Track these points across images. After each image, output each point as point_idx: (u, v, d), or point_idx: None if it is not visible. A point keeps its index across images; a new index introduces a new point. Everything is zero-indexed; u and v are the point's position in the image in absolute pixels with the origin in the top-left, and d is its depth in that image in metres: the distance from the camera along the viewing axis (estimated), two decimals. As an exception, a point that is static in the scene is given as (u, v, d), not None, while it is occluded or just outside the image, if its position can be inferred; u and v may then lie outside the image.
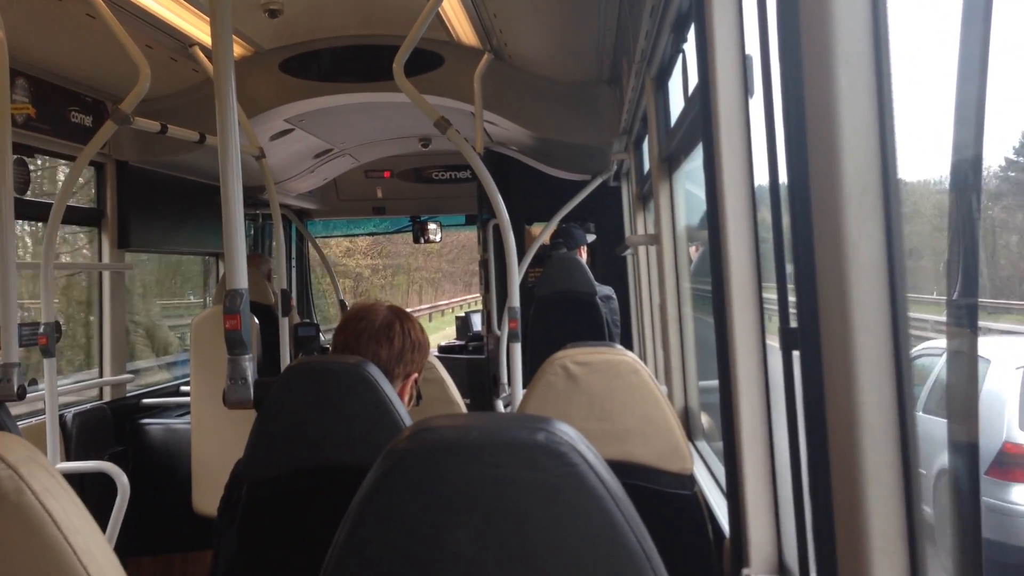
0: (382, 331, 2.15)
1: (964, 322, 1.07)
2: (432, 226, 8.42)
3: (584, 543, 0.87)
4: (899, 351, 1.09)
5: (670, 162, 3.39)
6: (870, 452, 1.08)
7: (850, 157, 1.11)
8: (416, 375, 2.23)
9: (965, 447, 1.03)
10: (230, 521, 2.02)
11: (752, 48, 1.74)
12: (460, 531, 0.87)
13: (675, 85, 3.15)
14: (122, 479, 3.73)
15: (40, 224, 4.97)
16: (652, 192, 3.55)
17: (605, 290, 5.45)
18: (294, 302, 7.30)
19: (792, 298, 1.34)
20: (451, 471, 0.87)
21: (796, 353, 1.29)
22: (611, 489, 0.88)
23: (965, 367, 1.08)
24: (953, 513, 1.05)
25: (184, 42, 4.29)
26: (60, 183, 5.13)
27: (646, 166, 4.16)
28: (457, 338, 9.61)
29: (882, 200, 1.10)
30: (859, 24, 1.12)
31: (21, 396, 3.51)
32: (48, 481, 1.02)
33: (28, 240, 5.89)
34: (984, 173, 1.06)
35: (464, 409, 3.15)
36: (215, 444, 4.37)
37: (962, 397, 1.07)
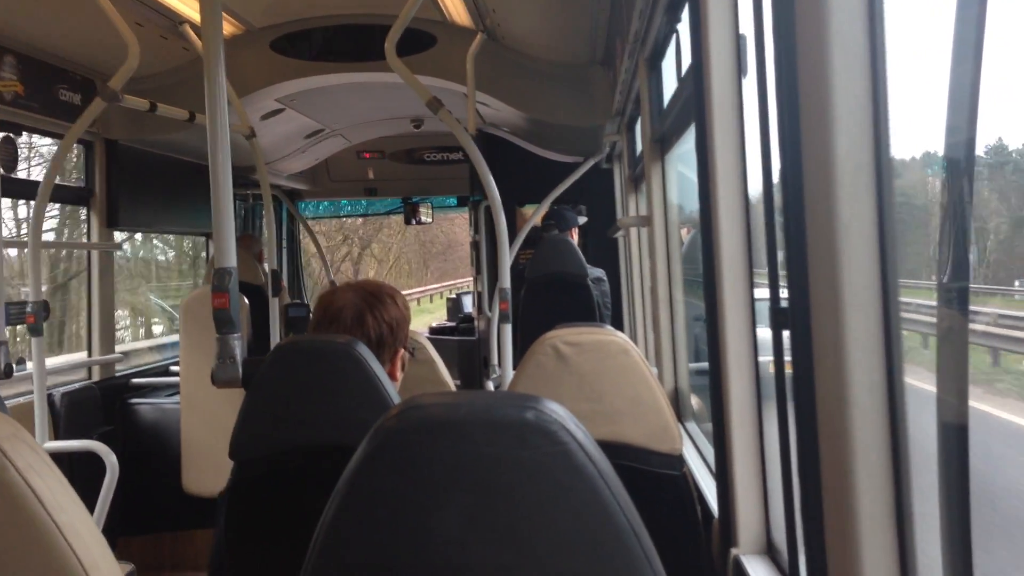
0: (355, 327, 2.08)
1: (955, 305, 1.07)
2: (423, 208, 8.39)
3: (573, 521, 0.86)
4: (890, 332, 1.09)
5: (662, 143, 3.38)
6: (859, 432, 1.08)
7: (843, 137, 1.11)
8: (402, 349, 2.20)
9: (954, 428, 1.03)
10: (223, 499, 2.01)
11: (746, 28, 1.73)
12: (448, 509, 0.86)
13: (668, 66, 3.13)
14: (110, 458, 3.72)
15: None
16: (644, 174, 3.54)
17: (596, 272, 5.44)
18: (285, 282, 7.29)
19: (783, 282, 1.34)
20: (439, 449, 0.87)
21: (786, 333, 1.29)
22: (600, 468, 0.87)
23: (956, 349, 1.08)
24: (941, 493, 1.05)
25: (174, 19, 4.25)
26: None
27: (638, 148, 4.14)
28: (448, 320, 9.60)
29: (874, 180, 1.10)
30: (853, 3, 1.11)
31: (8, 374, 3.50)
32: (32, 458, 1.01)
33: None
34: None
35: (454, 390, 3.15)
36: (205, 424, 4.37)
37: (953, 379, 1.07)
